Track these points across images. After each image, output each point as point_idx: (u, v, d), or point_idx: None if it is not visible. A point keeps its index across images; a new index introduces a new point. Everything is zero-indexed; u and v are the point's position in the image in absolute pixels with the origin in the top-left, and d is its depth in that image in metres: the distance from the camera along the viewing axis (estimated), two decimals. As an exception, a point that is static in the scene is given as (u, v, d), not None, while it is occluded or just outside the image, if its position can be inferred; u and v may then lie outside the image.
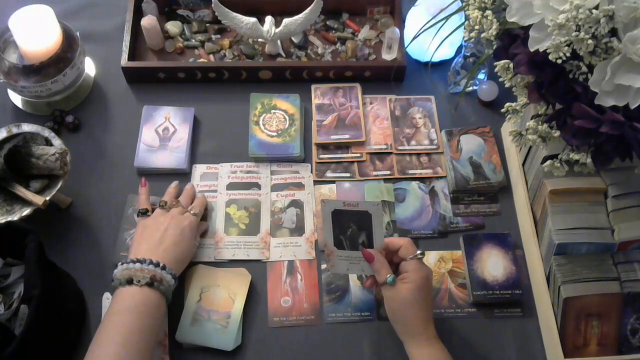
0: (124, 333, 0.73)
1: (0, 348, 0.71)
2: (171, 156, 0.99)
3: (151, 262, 0.79)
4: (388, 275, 0.78)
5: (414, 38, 0.93)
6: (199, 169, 1.00)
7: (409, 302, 0.77)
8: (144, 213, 0.89)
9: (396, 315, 0.78)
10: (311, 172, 1.01)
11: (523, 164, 0.96)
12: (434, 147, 1.02)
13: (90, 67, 1.09)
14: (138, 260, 0.79)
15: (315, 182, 0.99)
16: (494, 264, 0.91)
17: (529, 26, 0.67)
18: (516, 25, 0.69)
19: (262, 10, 1.10)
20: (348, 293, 0.90)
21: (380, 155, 1.02)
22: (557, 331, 0.82)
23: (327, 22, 1.14)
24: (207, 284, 0.89)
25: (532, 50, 0.66)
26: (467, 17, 0.77)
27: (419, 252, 0.79)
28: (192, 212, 0.90)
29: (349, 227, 0.82)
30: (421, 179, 1.00)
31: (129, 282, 0.77)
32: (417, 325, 0.77)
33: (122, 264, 0.80)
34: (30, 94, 0.99)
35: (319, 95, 1.06)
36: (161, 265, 0.80)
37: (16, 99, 1.05)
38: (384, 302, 0.80)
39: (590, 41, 0.62)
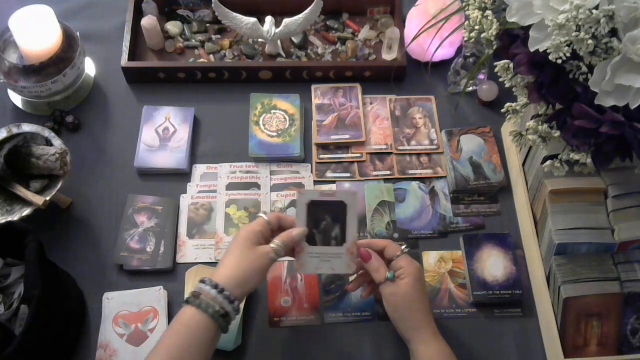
0: None
1: (0, 348, 0.71)
2: (171, 156, 0.99)
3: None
4: (387, 272, 0.78)
5: (414, 38, 0.93)
6: (199, 169, 1.00)
7: (411, 295, 0.77)
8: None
9: (399, 311, 0.78)
10: (311, 172, 1.01)
11: (523, 164, 0.96)
12: (434, 147, 1.02)
13: (90, 67, 1.09)
14: None
15: (315, 182, 0.99)
16: (494, 264, 0.91)
17: (529, 26, 0.67)
18: (516, 25, 0.69)
19: (262, 10, 1.10)
20: (348, 293, 0.90)
21: (380, 155, 1.02)
22: (557, 331, 0.82)
23: (327, 22, 1.14)
24: (207, 284, 0.89)
25: (532, 50, 0.66)
26: (467, 17, 0.77)
27: (403, 246, 0.80)
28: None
29: (323, 219, 0.80)
30: (421, 179, 1.00)
31: None
32: (420, 318, 0.77)
33: None
34: (30, 94, 0.99)
35: (319, 95, 1.06)
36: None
37: (16, 99, 1.05)
38: (383, 301, 0.80)
39: (590, 41, 0.62)
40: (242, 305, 0.77)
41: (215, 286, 0.72)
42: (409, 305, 0.77)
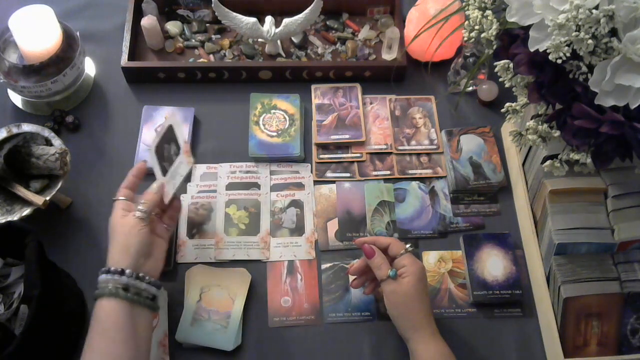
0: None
1: (0, 348, 0.71)
2: (171, 156, 0.99)
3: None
4: (390, 270, 0.78)
5: (414, 38, 0.93)
6: (199, 169, 1.00)
7: (412, 294, 0.77)
8: None
9: (399, 309, 0.78)
10: (311, 172, 1.01)
11: (523, 164, 0.96)
12: (434, 147, 1.02)
13: (90, 67, 1.09)
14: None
15: (315, 182, 0.99)
16: (494, 264, 0.91)
17: (529, 26, 0.67)
18: (516, 25, 0.69)
19: (262, 10, 1.10)
20: (348, 293, 0.90)
21: (380, 155, 1.02)
22: (557, 331, 0.82)
23: (327, 22, 1.14)
24: (207, 284, 0.89)
25: (532, 50, 0.66)
26: (467, 17, 0.77)
27: (408, 245, 0.80)
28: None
29: (163, 148, 0.85)
30: (421, 179, 1.00)
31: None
32: (420, 318, 0.77)
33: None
34: (30, 94, 0.99)
35: (319, 95, 1.06)
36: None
37: (16, 99, 1.05)
38: (384, 299, 0.80)
39: (590, 41, 0.62)
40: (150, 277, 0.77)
41: (104, 271, 0.73)
42: (410, 304, 0.77)
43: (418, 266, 0.79)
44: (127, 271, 0.73)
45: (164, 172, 0.85)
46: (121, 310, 0.71)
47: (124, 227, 0.77)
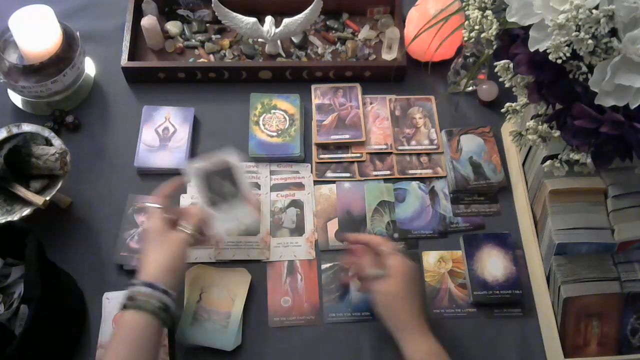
0: None
1: (0, 348, 0.71)
2: (171, 156, 0.99)
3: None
4: (378, 270, 0.79)
5: (414, 38, 0.93)
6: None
7: (399, 294, 0.78)
8: None
9: (388, 309, 0.79)
10: (311, 172, 1.01)
11: (523, 164, 0.96)
12: (434, 147, 1.02)
13: (90, 67, 1.09)
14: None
15: (315, 182, 0.99)
16: (494, 264, 0.91)
17: (529, 26, 0.67)
18: (516, 25, 0.69)
19: (262, 10, 1.10)
20: (348, 293, 0.90)
21: (380, 155, 1.02)
22: (557, 331, 0.82)
23: (327, 22, 1.14)
24: (207, 284, 0.89)
25: (532, 50, 0.66)
26: (467, 17, 0.77)
27: (399, 245, 0.82)
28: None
29: (217, 184, 0.86)
30: (421, 179, 1.00)
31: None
32: (410, 319, 0.77)
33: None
34: (30, 94, 0.99)
35: (319, 95, 1.06)
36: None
37: (16, 99, 1.05)
38: (374, 300, 0.80)
39: (590, 41, 0.62)
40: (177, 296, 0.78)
41: (148, 284, 0.73)
42: (397, 304, 0.78)
43: (407, 266, 0.79)
44: (172, 294, 0.74)
45: (212, 203, 0.85)
46: (156, 329, 0.72)
47: (171, 244, 0.78)
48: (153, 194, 0.84)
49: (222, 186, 0.85)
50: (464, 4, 0.80)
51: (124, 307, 0.73)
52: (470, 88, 1.07)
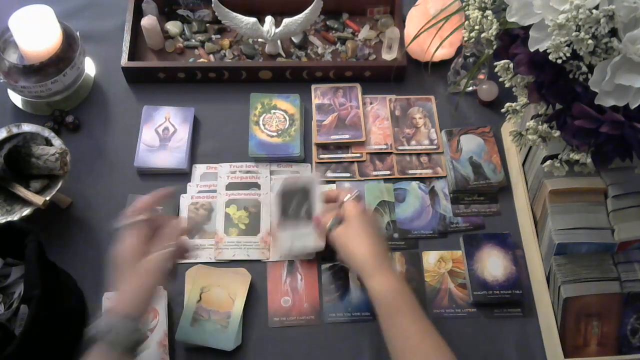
0: None
1: (1, 348, 0.71)
2: (171, 156, 0.99)
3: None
4: (332, 220, 0.84)
5: (414, 38, 0.93)
6: (199, 169, 1.00)
7: (355, 235, 0.81)
8: None
9: (346, 250, 0.82)
10: (311, 172, 1.00)
11: (523, 164, 0.96)
12: (434, 147, 1.02)
13: (90, 67, 1.09)
14: None
15: (315, 182, 1.00)
16: (494, 264, 0.91)
17: (529, 26, 0.67)
18: (516, 25, 0.69)
19: (262, 10, 1.10)
20: (348, 293, 0.90)
21: (380, 155, 1.02)
22: (557, 331, 0.82)
23: (327, 22, 1.14)
24: (207, 284, 0.89)
25: (532, 50, 0.66)
26: (467, 17, 0.77)
27: (355, 191, 0.86)
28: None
29: (292, 204, 0.89)
30: (421, 179, 1.00)
31: None
32: (366, 258, 0.79)
33: None
34: (30, 94, 0.99)
35: (319, 95, 1.06)
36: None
37: (16, 99, 1.05)
38: (335, 247, 0.84)
39: (590, 41, 0.62)
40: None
41: (129, 317, 0.68)
42: (354, 243, 0.81)
43: (358, 209, 0.83)
44: (146, 330, 0.71)
45: (284, 220, 0.88)
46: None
47: (149, 269, 0.70)
48: (132, 206, 0.77)
49: (300, 207, 0.88)
50: (464, 4, 0.80)
51: (95, 339, 0.67)
52: (470, 88, 1.07)
